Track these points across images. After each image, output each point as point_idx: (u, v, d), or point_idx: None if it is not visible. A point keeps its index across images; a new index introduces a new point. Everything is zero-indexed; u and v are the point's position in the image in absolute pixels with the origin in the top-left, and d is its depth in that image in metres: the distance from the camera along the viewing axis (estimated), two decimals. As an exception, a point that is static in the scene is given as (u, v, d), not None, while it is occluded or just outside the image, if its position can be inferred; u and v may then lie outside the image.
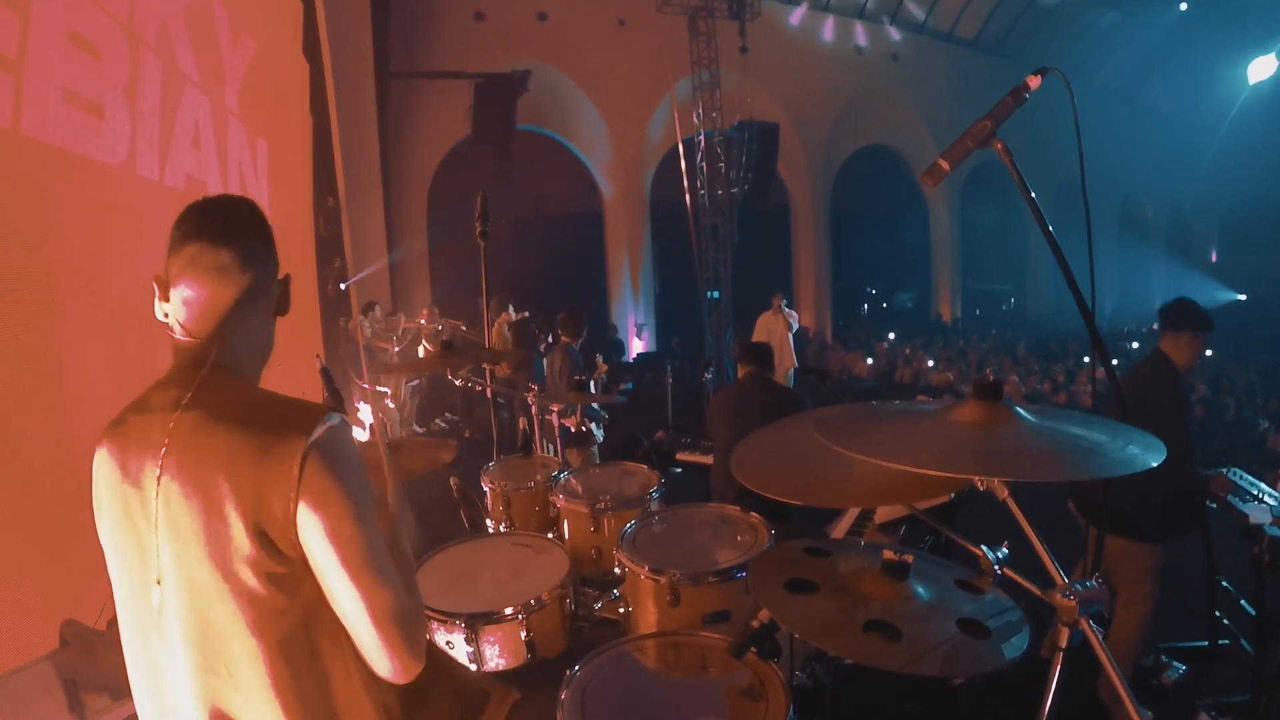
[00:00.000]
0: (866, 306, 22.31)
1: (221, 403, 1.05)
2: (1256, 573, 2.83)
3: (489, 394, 4.19)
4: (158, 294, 1.14)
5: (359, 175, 9.81)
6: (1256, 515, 2.82)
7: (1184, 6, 17.84)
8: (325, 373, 1.60)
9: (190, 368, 1.09)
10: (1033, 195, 1.43)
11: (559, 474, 3.11)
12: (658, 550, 2.33)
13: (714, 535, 2.45)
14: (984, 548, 1.28)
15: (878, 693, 2.26)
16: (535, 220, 14.08)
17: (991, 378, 1.28)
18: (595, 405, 5.03)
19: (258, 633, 1.02)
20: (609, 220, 14.47)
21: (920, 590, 1.40)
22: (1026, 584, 1.19)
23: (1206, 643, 3.32)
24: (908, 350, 14.35)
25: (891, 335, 16.42)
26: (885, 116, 16.61)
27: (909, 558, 1.42)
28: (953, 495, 2.85)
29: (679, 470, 4.76)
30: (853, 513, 3.40)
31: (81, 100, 3.03)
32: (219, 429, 1.03)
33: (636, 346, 14.31)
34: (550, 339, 6.94)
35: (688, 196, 11.68)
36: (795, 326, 8.97)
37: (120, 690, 2.32)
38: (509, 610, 2.13)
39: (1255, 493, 2.99)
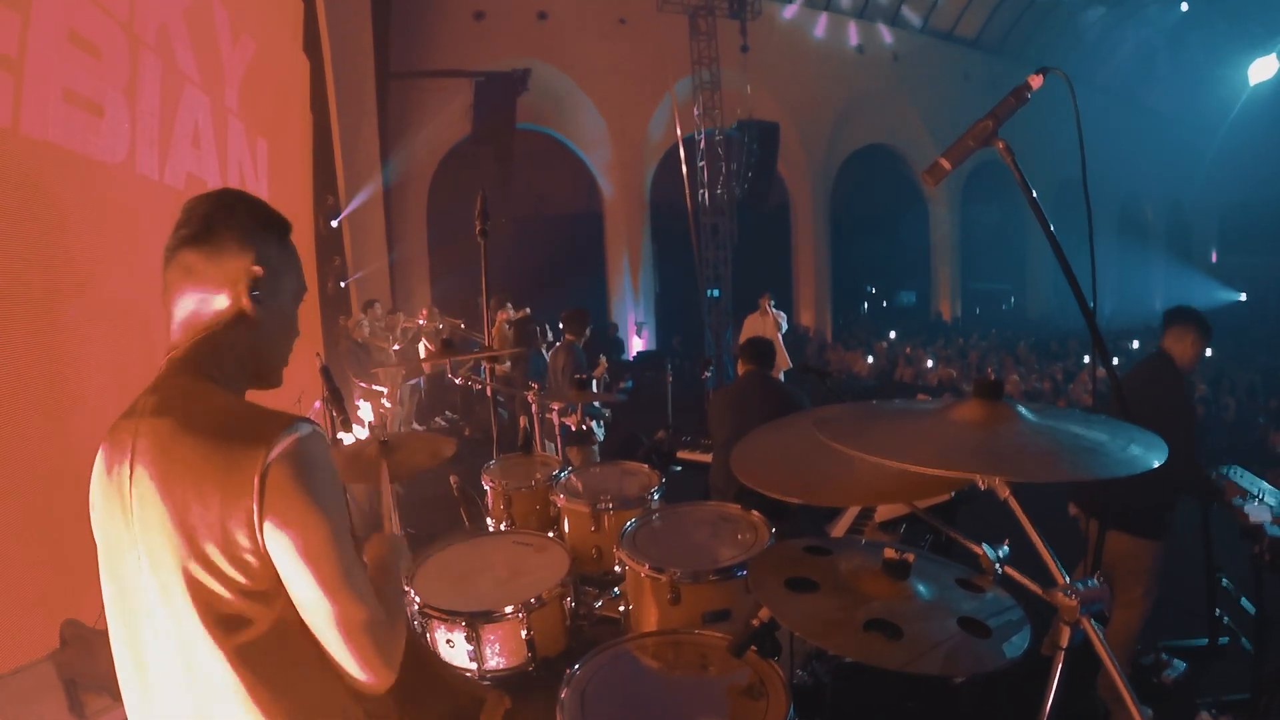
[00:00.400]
0: (866, 306, 22.32)
1: (191, 411, 1.04)
2: (1256, 572, 2.83)
3: (489, 392, 4.19)
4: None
5: (359, 175, 9.80)
6: (1256, 514, 2.82)
7: (1184, 7, 17.83)
8: (325, 371, 1.61)
9: (165, 374, 1.10)
10: (1034, 194, 1.43)
11: (559, 473, 3.11)
12: (658, 549, 2.33)
13: (714, 534, 2.45)
14: (985, 546, 1.28)
15: (878, 691, 2.26)
16: (535, 219, 14.09)
17: (992, 377, 1.28)
18: (596, 404, 5.04)
19: (224, 643, 1.00)
20: (609, 219, 14.47)
21: (921, 589, 1.39)
22: (1027, 583, 1.19)
23: (1206, 641, 3.33)
24: (908, 350, 14.35)
25: (893, 334, 16.42)
26: (885, 116, 16.60)
27: (910, 556, 1.42)
28: (953, 494, 2.85)
29: (679, 469, 4.76)
30: (853, 511, 3.40)
31: (81, 100, 3.03)
32: (187, 438, 1.01)
33: (636, 345, 14.31)
34: (552, 337, 6.94)
35: (688, 196, 11.69)
36: (784, 327, 8.89)
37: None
38: (509, 609, 2.13)
39: (1255, 492, 3.00)
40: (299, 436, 1.02)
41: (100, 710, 2.35)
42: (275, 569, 1.02)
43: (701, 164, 12.15)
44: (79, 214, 3.02)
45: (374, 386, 7.22)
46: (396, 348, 8.13)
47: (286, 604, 1.04)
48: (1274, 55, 16.14)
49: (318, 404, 5.66)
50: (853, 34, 15.91)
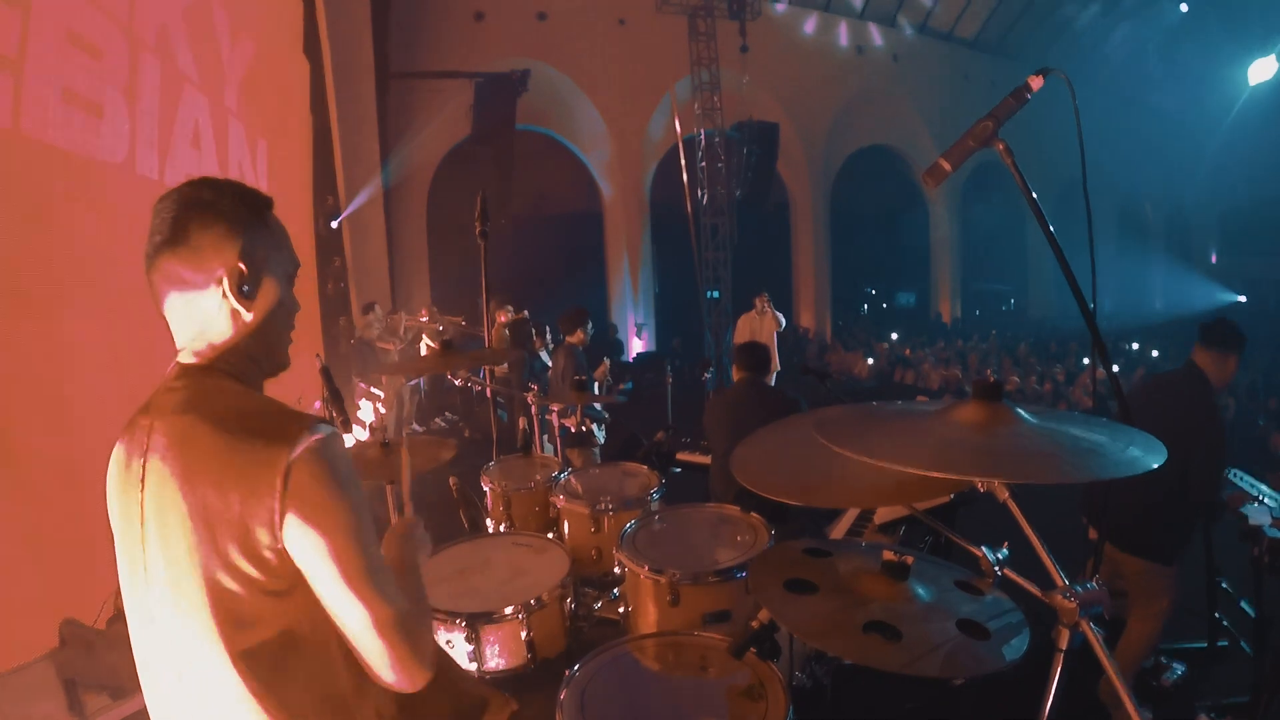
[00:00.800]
0: (866, 306, 22.31)
1: (212, 409, 1.04)
2: (1256, 574, 2.83)
3: (488, 394, 4.19)
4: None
5: (359, 175, 9.80)
6: (1256, 516, 2.82)
7: (1184, 7, 17.83)
8: (325, 372, 1.60)
9: (184, 371, 1.09)
10: (1034, 195, 1.43)
11: (559, 474, 3.11)
12: (658, 550, 2.33)
13: (714, 535, 2.45)
14: (984, 548, 1.28)
15: (877, 693, 2.26)
16: (535, 220, 14.08)
17: (992, 379, 1.28)
18: (596, 405, 5.03)
19: (230, 641, 1.00)
20: (609, 220, 14.47)
21: (920, 591, 1.39)
22: (1027, 585, 1.19)
23: (1206, 644, 3.32)
24: (908, 351, 14.34)
25: (895, 336, 16.41)
26: (885, 116, 16.60)
27: (909, 558, 1.42)
28: (953, 496, 2.85)
29: (679, 470, 4.76)
30: (852, 513, 3.40)
31: (81, 100, 3.04)
32: (207, 436, 1.01)
33: (636, 346, 14.31)
34: (551, 338, 6.93)
35: (688, 196, 11.70)
36: (783, 326, 8.72)
37: (120, 689, 2.32)
38: (509, 610, 2.13)
39: (1255, 494, 2.99)
40: (321, 436, 1.02)
41: (100, 710, 2.34)
42: (293, 567, 1.01)
43: (701, 164, 12.15)
44: (79, 214, 3.02)
45: (372, 389, 7.22)
46: (390, 348, 8.12)
47: (299, 604, 1.03)
48: (1273, 56, 16.14)
49: (318, 404, 5.66)
50: (852, 34, 15.91)
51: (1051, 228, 1.46)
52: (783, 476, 1.49)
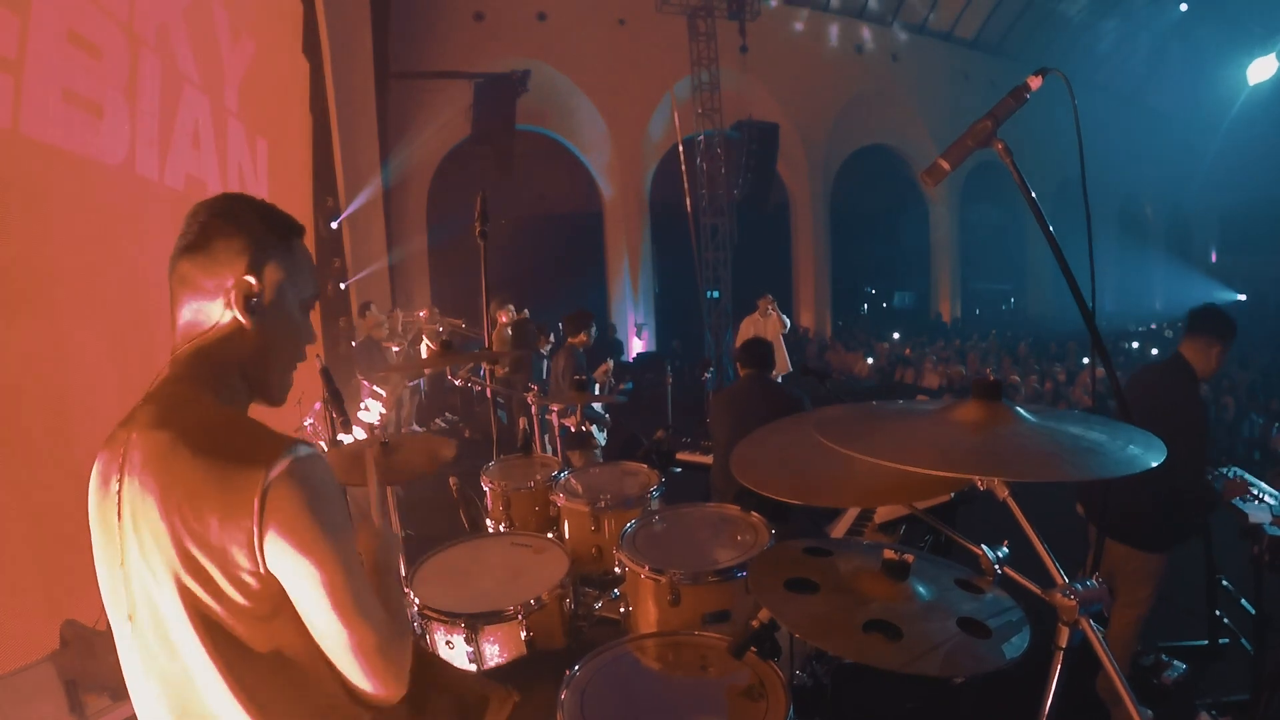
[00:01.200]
0: (866, 306, 22.32)
1: (189, 426, 1.02)
2: (1256, 572, 2.83)
3: (488, 394, 4.19)
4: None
5: (359, 175, 9.80)
6: (1256, 515, 2.82)
7: (1184, 7, 17.84)
8: (325, 372, 1.61)
9: (165, 381, 1.08)
10: (1033, 195, 1.43)
11: (559, 474, 3.11)
12: (658, 550, 2.33)
13: (714, 535, 2.45)
14: (984, 547, 1.28)
15: (878, 692, 2.26)
16: (535, 220, 14.09)
17: (992, 378, 1.28)
18: (597, 407, 5.04)
19: (220, 660, 1.00)
20: (609, 220, 14.47)
21: (920, 590, 1.40)
22: (1027, 583, 1.19)
23: (1206, 642, 3.32)
24: (908, 351, 14.33)
25: (896, 335, 16.41)
26: (885, 116, 16.61)
27: (909, 557, 1.42)
28: (953, 495, 2.85)
29: (679, 470, 4.76)
30: (853, 512, 3.40)
31: (81, 100, 3.04)
32: (184, 454, 0.99)
33: (636, 346, 14.31)
34: (553, 339, 6.93)
35: (687, 196, 11.70)
36: (788, 327, 8.54)
37: (121, 691, 2.32)
38: (509, 610, 2.13)
39: (1255, 492, 3.00)
40: (297, 458, 1.00)
41: (101, 711, 2.35)
42: (275, 589, 1.00)
43: (701, 164, 12.16)
44: (79, 215, 3.02)
45: (376, 388, 7.22)
46: (396, 349, 8.12)
47: (287, 625, 1.03)
48: (1273, 55, 16.14)
49: (318, 405, 5.66)
50: (852, 34, 15.92)
51: (1051, 227, 1.46)
52: (783, 476, 1.49)
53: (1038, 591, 1.13)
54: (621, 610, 2.32)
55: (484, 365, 4.35)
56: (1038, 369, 11.84)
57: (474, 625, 2.11)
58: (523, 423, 4.08)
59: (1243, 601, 3.23)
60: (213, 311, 1.09)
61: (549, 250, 13.73)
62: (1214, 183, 21.05)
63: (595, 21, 13.04)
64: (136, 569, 1.02)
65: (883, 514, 3.27)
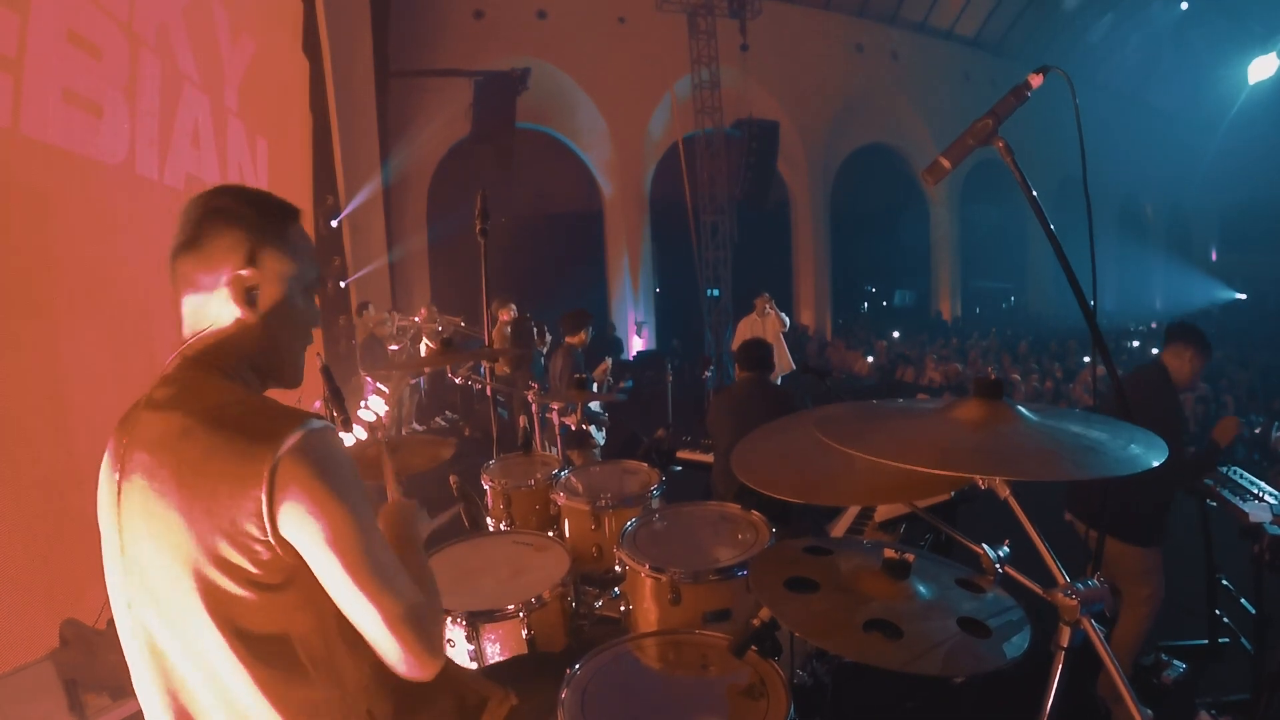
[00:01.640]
0: (866, 305, 22.31)
1: (202, 405, 1.03)
2: (1256, 571, 2.83)
3: (489, 392, 4.19)
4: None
5: (359, 175, 9.80)
6: (1256, 514, 2.82)
7: (1184, 6, 17.83)
8: (325, 371, 1.60)
9: (178, 367, 1.09)
10: (1034, 193, 1.43)
11: (559, 472, 3.11)
12: (658, 548, 2.33)
13: (715, 533, 2.45)
14: (985, 546, 1.28)
15: (878, 692, 2.26)
16: (535, 219, 14.09)
17: (993, 376, 1.28)
18: (595, 407, 5.03)
19: (231, 636, 1.00)
20: (609, 219, 14.47)
21: (921, 589, 1.39)
22: (1028, 583, 1.19)
23: (1206, 641, 3.33)
24: (910, 352, 14.32)
25: (896, 334, 16.41)
26: (885, 115, 16.60)
27: (910, 556, 1.42)
28: (953, 493, 2.85)
29: (679, 468, 4.76)
30: (853, 511, 3.40)
31: (81, 100, 3.03)
32: (196, 432, 1.00)
33: (636, 345, 14.31)
34: (551, 338, 6.94)
35: (688, 195, 11.70)
36: (787, 326, 8.36)
37: (121, 690, 2.32)
38: (510, 608, 2.13)
39: (1255, 492, 2.99)
40: (310, 430, 1.02)
41: (100, 710, 2.35)
42: (287, 561, 1.01)
43: (701, 163, 12.15)
44: (80, 215, 3.02)
45: (380, 385, 7.22)
46: (395, 348, 8.13)
47: (299, 599, 1.03)
48: (1274, 54, 16.13)
49: (318, 404, 5.67)
50: (852, 33, 15.90)
51: (1051, 226, 1.46)
52: (784, 474, 1.49)
53: (1039, 591, 1.13)
54: (622, 609, 2.31)
55: (484, 363, 4.34)
56: (1038, 368, 11.84)
57: (475, 623, 2.11)
58: (523, 421, 4.07)
59: (1243, 601, 3.23)
60: (215, 307, 1.10)
61: (549, 249, 13.72)
62: (1214, 182, 21.03)
63: (595, 19, 13.03)
64: (148, 545, 1.02)
65: (883, 513, 3.27)
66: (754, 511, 2.50)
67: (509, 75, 11.41)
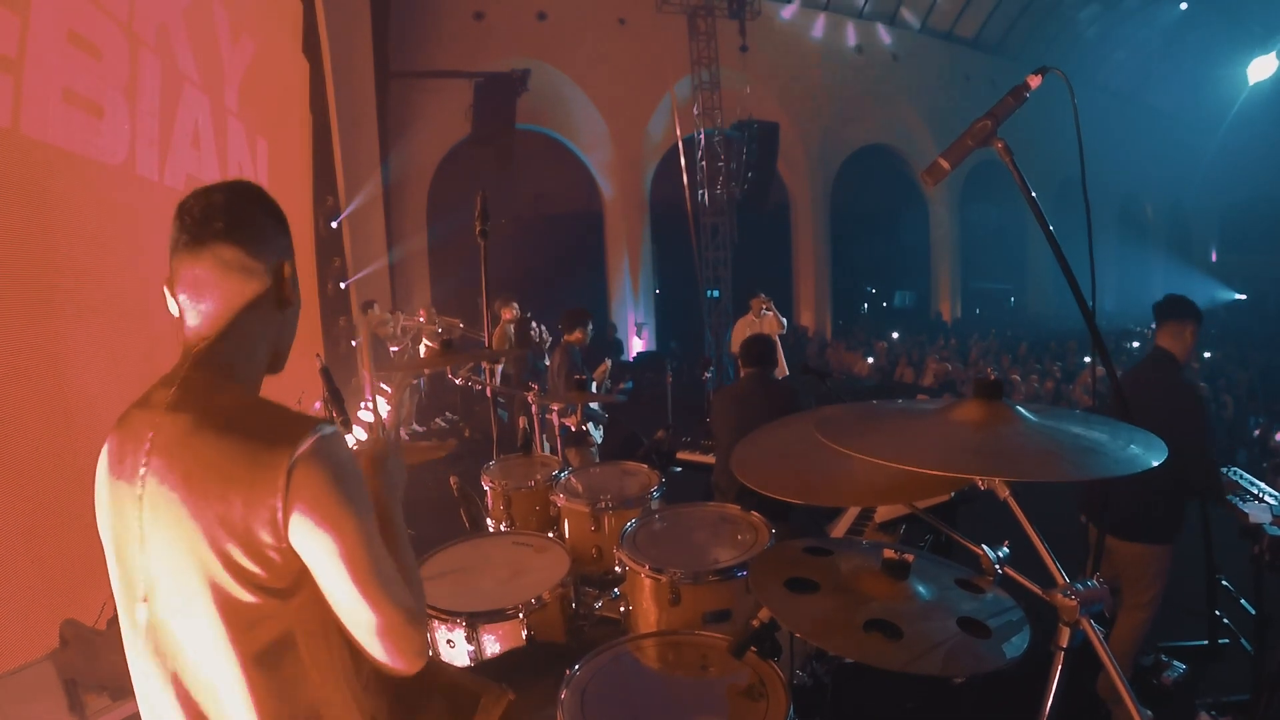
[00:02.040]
0: (866, 306, 22.32)
1: (211, 407, 1.03)
2: (1256, 572, 2.83)
3: (488, 393, 4.19)
4: (168, 291, 1.12)
5: (359, 175, 9.80)
6: (1256, 515, 2.82)
7: (1184, 6, 17.84)
8: (325, 372, 1.60)
9: (185, 367, 1.08)
10: (1033, 194, 1.43)
11: (559, 473, 3.11)
12: (658, 549, 2.33)
13: (714, 534, 2.45)
14: (984, 547, 1.28)
15: (878, 692, 2.26)
16: (535, 220, 14.09)
17: (993, 377, 1.28)
18: (595, 406, 5.03)
19: (238, 643, 1.00)
20: (609, 220, 14.47)
21: (921, 589, 1.39)
22: (1027, 583, 1.19)
23: (1206, 642, 3.32)
24: (913, 355, 14.31)
25: (895, 335, 16.41)
26: (885, 116, 16.61)
27: (909, 557, 1.42)
28: (953, 494, 2.85)
29: (679, 469, 4.76)
30: (853, 512, 3.40)
31: (81, 100, 3.04)
32: (209, 436, 1.00)
33: (636, 346, 14.31)
34: (551, 338, 6.94)
35: (688, 196, 11.70)
36: (785, 328, 8.21)
37: (120, 690, 2.32)
38: (510, 609, 2.13)
39: (1255, 492, 2.99)
40: (322, 436, 1.02)
41: (100, 710, 2.34)
42: (297, 565, 1.02)
43: (701, 164, 12.15)
44: (80, 215, 3.02)
45: (384, 385, 7.21)
46: (395, 349, 8.12)
47: (305, 603, 1.04)
48: (1273, 54, 16.15)
49: (318, 404, 5.66)
50: (852, 34, 15.92)
51: (1051, 227, 1.46)
52: (784, 475, 1.49)
53: (1038, 591, 1.13)
54: (622, 610, 2.32)
55: (484, 364, 4.35)
56: (1038, 368, 11.84)
57: (474, 624, 2.11)
58: (523, 422, 4.08)
59: (1243, 601, 3.23)
60: (251, 295, 1.11)
61: (549, 250, 13.72)
62: (1214, 182, 21.05)
63: (595, 21, 13.04)
64: (159, 551, 1.02)
65: (883, 513, 3.27)
66: (754, 513, 2.50)
67: (509, 76, 11.40)
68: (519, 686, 1.48)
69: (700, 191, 12.14)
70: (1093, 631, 1.07)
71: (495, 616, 2.12)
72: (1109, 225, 19.75)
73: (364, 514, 1.04)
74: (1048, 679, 1.13)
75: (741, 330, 8.26)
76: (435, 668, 1.53)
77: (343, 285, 9.29)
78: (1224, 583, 3.34)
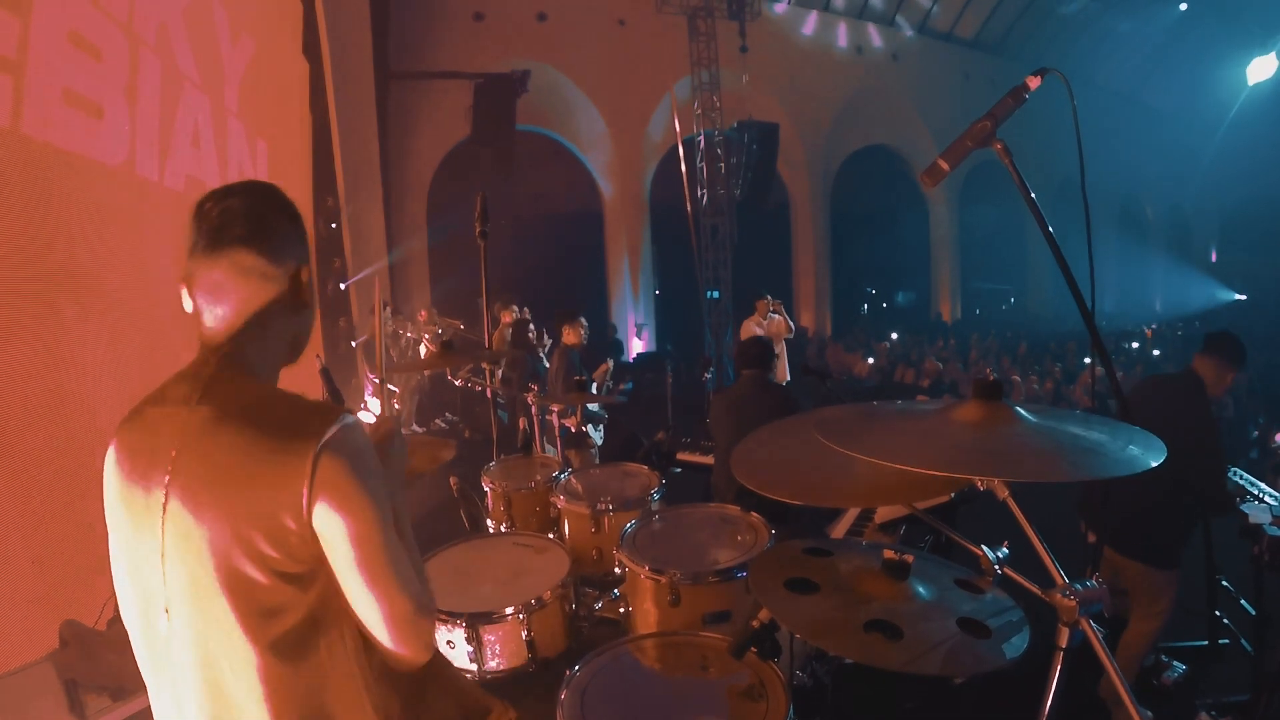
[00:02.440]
0: (866, 306, 22.32)
1: (233, 401, 1.05)
2: (1256, 572, 2.83)
3: (488, 394, 4.19)
4: (185, 291, 1.12)
5: (359, 175, 9.80)
6: (1256, 515, 2.82)
7: (1184, 6, 17.84)
8: (325, 372, 1.60)
9: (203, 364, 1.09)
10: (1032, 195, 1.43)
11: (559, 474, 3.12)
12: (658, 550, 2.34)
13: (714, 535, 2.45)
14: (984, 547, 1.28)
15: (878, 692, 2.26)
16: (535, 220, 14.09)
17: (992, 378, 1.28)
18: (594, 407, 5.04)
19: (254, 635, 1.01)
20: (609, 220, 14.47)
21: (921, 590, 1.40)
22: (1027, 583, 1.19)
23: (1206, 642, 3.33)
24: (913, 355, 14.30)
25: (895, 335, 16.40)
26: (885, 116, 16.61)
27: (909, 557, 1.42)
28: (953, 495, 2.85)
29: (679, 470, 4.76)
30: (853, 512, 3.40)
31: (81, 100, 3.04)
32: (232, 429, 1.02)
33: (636, 346, 14.31)
34: (551, 340, 6.94)
35: (687, 196, 11.69)
36: (793, 331, 8.08)
37: (121, 690, 2.32)
38: (510, 610, 2.13)
39: (1255, 492, 3.00)
40: (345, 425, 1.05)
41: (100, 710, 2.35)
42: (315, 550, 1.03)
43: (701, 164, 12.15)
44: (79, 216, 3.02)
45: (389, 386, 7.21)
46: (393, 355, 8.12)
47: (321, 591, 1.05)
48: (1273, 54, 16.15)
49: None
50: (852, 34, 15.92)
51: (1050, 227, 1.46)
52: (783, 476, 1.49)
53: (1038, 592, 1.13)
54: (621, 610, 2.32)
55: (485, 365, 4.35)
56: (1037, 369, 11.83)
57: (474, 624, 2.11)
58: (523, 423, 4.08)
59: (1243, 602, 3.23)
60: (270, 297, 1.12)
61: (549, 250, 13.72)
62: (1214, 183, 21.04)
63: (595, 22, 13.04)
64: (179, 553, 1.02)
65: (883, 514, 3.28)
66: (753, 513, 2.50)
67: (509, 77, 11.40)
68: (523, 695, 1.49)
69: (700, 192, 12.14)
70: (1092, 632, 1.07)
71: (495, 618, 2.12)
72: (1109, 225, 19.74)
73: (381, 501, 1.06)
74: (1047, 679, 1.13)
75: (748, 332, 8.12)
76: (447, 671, 1.53)
77: (343, 286, 9.28)
78: (1224, 583, 3.34)
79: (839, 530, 3.32)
